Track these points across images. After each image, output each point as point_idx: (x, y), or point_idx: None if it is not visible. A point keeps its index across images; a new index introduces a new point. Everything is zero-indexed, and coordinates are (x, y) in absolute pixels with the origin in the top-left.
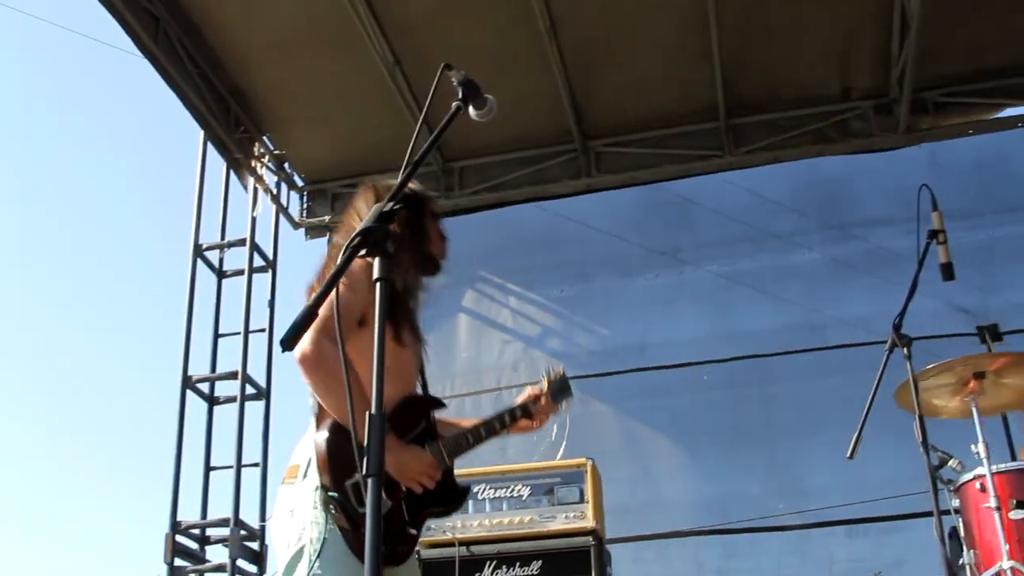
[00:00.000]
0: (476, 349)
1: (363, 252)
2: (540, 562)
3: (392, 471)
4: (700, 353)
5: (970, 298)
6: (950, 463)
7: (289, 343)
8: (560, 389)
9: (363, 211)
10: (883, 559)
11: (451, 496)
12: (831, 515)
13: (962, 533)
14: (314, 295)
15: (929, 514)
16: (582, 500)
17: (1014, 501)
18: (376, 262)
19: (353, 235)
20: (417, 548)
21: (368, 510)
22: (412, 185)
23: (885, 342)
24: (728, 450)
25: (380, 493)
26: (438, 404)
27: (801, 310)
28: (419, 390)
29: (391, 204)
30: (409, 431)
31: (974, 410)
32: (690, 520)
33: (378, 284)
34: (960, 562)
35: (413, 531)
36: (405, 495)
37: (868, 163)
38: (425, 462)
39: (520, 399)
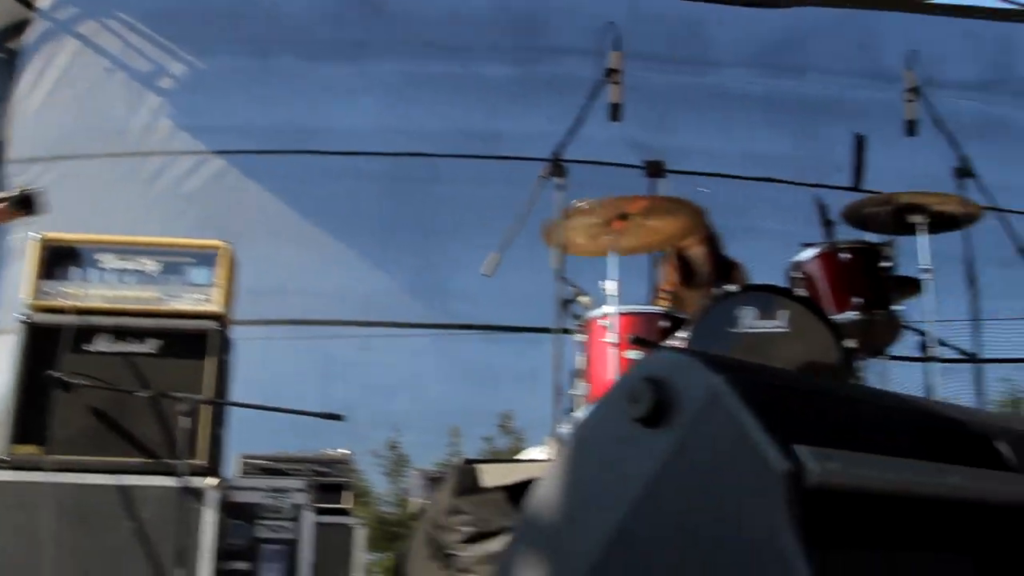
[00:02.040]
0: (124, 109)
1: None
2: (159, 341)
3: None
4: (370, 144)
5: (645, 135)
6: (581, 299)
7: None
8: (23, 203)
9: None
10: (519, 367)
11: None
12: (472, 319)
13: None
14: None
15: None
16: (211, 283)
17: (632, 337)
18: None
19: None
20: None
21: None
22: None
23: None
24: (381, 244)
25: None
26: None
27: (480, 118)
28: None
29: None
30: None
31: (612, 251)
32: (329, 311)
33: None
34: (571, 392)
35: None
36: None
37: None
38: None
39: None
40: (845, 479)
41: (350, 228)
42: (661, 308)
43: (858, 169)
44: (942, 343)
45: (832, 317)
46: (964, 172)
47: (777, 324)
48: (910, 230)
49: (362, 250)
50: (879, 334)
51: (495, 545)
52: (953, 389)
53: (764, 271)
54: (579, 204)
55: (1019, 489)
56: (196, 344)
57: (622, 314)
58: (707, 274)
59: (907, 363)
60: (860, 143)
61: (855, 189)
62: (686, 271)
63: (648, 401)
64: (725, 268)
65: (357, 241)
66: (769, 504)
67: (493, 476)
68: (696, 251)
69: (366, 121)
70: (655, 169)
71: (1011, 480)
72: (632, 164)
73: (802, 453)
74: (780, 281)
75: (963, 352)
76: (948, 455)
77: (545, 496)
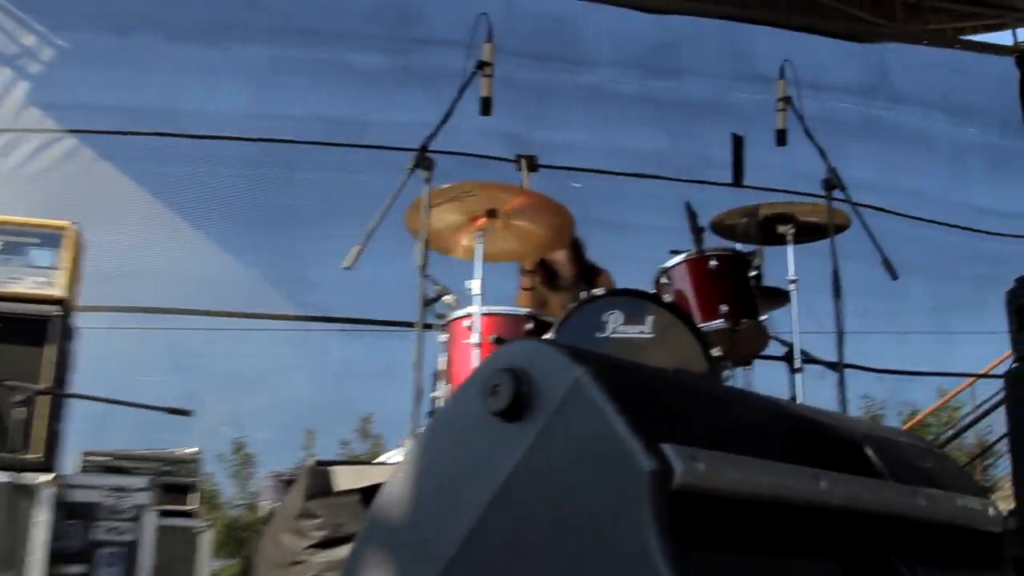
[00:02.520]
0: None
1: None
2: None
3: None
4: (233, 129)
5: (517, 129)
6: (446, 298)
7: None
8: None
9: None
10: (381, 365)
11: None
12: (332, 312)
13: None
14: None
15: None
16: (55, 265)
17: (493, 337)
18: None
19: None
20: None
21: None
22: None
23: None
24: (239, 232)
25: None
26: None
27: (348, 107)
28: None
29: None
30: None
31: (478, 247)
32: (180, 299)
33: None
34: (432, 394)
35: None
36: None
37: None
38: None
39: None
40: (714, 481)
41: (207, 214)
42: (525, 310)
43: (737, 167)
44: (806, 355)
45: (699, 325)
46: (832, 184)
47: (643, 330)
48: (779, 240)
49: (219, 237)
50: (746, 343)
51: (347, 551)
52: (817, 400)
53: (639, 267)
54: (444, 188)
55: (888, 495)
56: (35, 330)
57: (485, 314)
58: (571, 277)
59: (772, 372)
60: (738, 143)
61: (735, 185)
62: (550, 274)
63: (506, 393)
64: (590, 273)
65: (214, 228)
66: (633, 504)
67: (347, 479)
68: (560, 255)
69: (229, 105)
70: (530, 163)
71: (880, 487)
72: (503, 157)
73: (669, 452)
74: (650, 284)
75: (827, 363)
76: (819, 459)
77: (397, 494)
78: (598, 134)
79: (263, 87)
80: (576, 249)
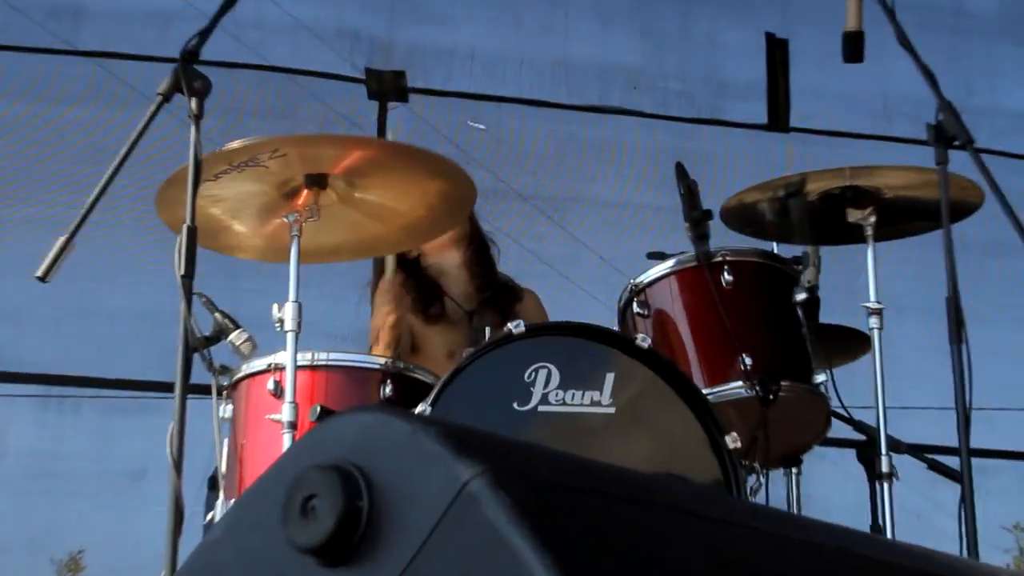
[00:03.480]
0: None
1: None
2: None
3: None
4: None
5: (368, 23)
6: (232, 337)
7: None
8: None
9: None
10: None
11: None
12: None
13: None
14: None
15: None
16: None
17: (316, 410)
18: None
19: None
20: None
21: None
22: None
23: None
24: None
25: None
26: None
27: None
28: None
29: None
30: None
31: (294, 245)
32: None
33: None
34: (210, 516)
35: None
36: None
37: None
38: None
39: None
40: None
41: None
42: (380, 359)
43: (775, 97)
44: (900, 447)
45: (702, 389)
46: (947, 132)
47: (598, 399)
48: (848, 234)
49: None
50: (788, 425)
51: None
52: (921, 534)
53: (593, 283)
54: (234, 146)
55: None
56: None
57: (304, 368)
58: (465, 298)
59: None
60: (775, 47)
61: (772, 128)
62: (426, 290)
63: (329, 515)
64: (501, 294)
65: None
66: None
67: None
68: (449, 258)
69: None
70: (388, 85)
71: None
72: (345, 75)
73: None
74: (610, 315)
75: (944, 469)
76: None
77: None
78: (517, 35)
79: None
80: (476, 245)
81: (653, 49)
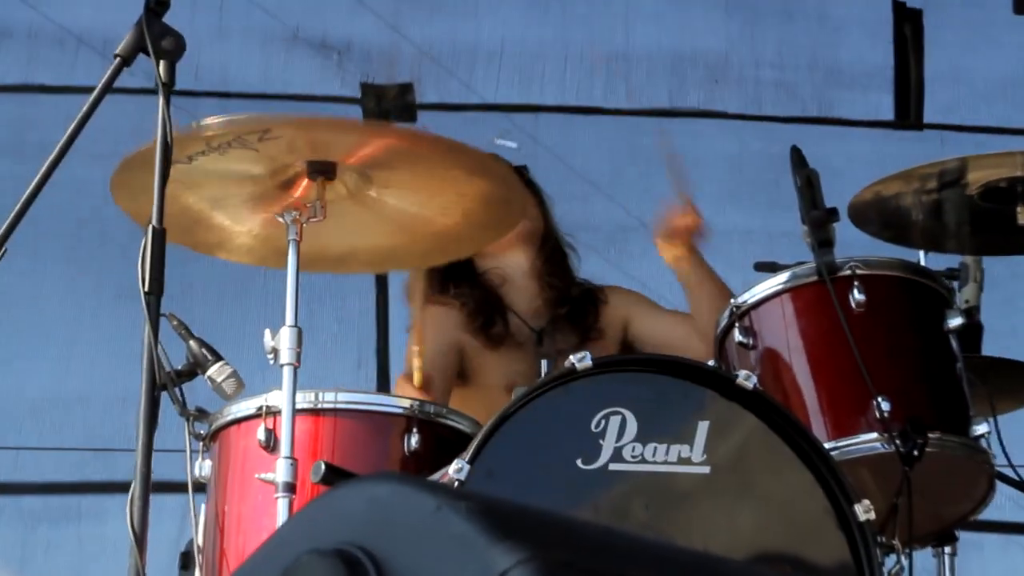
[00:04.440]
0: None
1: None
2: None
3: None
4: None
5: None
6: (212, 371)
7: None
8: None
9: None
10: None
11: None
12: None
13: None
14: None
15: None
16: None
17: (319, 470)
18: None
19: None
20: None
21: None
22: None
23: None
24: None
25: None
26: None
27: None
28: None
29: None
30: None
31: (292, 250)
32: None
33: None
34: None
35: None
36: None
37: None
38: None
39: None
40: None
41: None
42: (406, 400)
43: (903, 84)
44: None
45: (823, 444)
46: None
47: (688, 455)
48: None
49: None
50: (942, 490)
51: None
52: None
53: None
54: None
55: None
56: None
57: (307, 412)
58: (535, 316)
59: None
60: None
61: (902, 125)
62: (487, 307)
63: None
64: (581, 306)
65: None
66: None
67: None
68: (513, 261)
69: None
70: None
71: None
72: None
73: None
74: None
75: None
76: None
77: None
78: (561, 24)
79: None
80: (550, 247)
81: (741, 29)
